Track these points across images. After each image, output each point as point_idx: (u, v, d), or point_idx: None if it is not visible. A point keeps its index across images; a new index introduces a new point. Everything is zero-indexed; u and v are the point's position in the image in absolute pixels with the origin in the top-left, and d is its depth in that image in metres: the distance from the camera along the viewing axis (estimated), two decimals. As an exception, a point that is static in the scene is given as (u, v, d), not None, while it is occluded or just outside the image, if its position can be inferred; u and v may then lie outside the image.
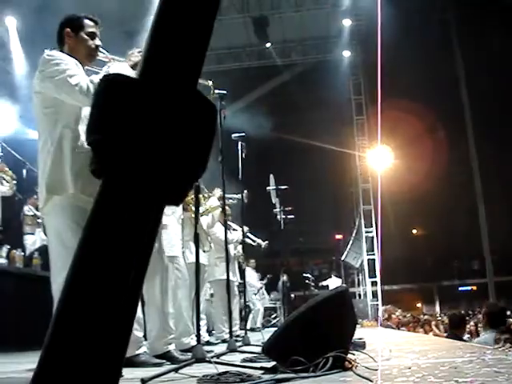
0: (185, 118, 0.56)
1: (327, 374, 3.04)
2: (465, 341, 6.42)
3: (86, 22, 3.64)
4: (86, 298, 0.53)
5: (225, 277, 7.22)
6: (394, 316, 13.49)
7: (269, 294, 16.31)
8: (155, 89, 0.56)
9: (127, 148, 0.54)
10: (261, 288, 14.70)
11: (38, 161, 3.44)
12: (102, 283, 0.53)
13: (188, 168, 0.57)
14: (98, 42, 3.64)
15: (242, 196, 8.14)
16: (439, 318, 14.67)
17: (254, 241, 10.09)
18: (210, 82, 4.77)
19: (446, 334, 7.85)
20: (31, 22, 13.32)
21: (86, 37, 3.60)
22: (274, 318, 16.04)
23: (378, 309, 17.12)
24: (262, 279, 15.05)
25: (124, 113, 0.55)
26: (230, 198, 7.78)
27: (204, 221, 7.32)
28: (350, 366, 3.27)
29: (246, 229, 8.35)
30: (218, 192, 7.22)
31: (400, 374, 2.86)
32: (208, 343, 6.77)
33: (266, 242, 10.48)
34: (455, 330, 6.90)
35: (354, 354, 3.61)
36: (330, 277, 17.37)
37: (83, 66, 3.55)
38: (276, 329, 3.74)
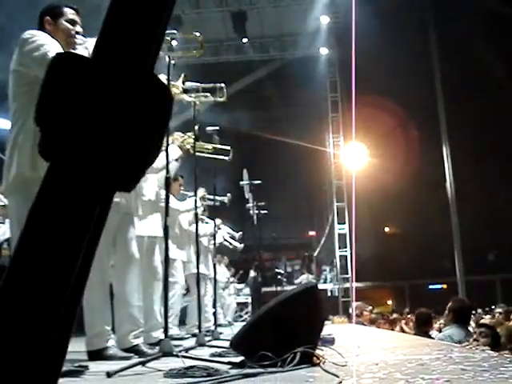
0: (137, 100, 0.53)
1: (295, 369, 3.04)
2: (432, 338, 6.46)
3: (66, 9, 3.64)
4: (24, 294, 0.50)
5: (200, 271, 7.23)
6: (365, 313, 13.58)
7: (241, 289, 16.31)
8: (107, 69, 0.53)
9: (75, 129, 0.52)
10: (230, 283, 14.68)
11: (8, 139, 3.38)
12: (45, 273, 0.50)
13: (140, 153, 0.54)
14: (78, 28, 3.61)
15: (226, 199, 8.16)
16: (409, 316, 14.82)
17: (230, 244, 10.10)
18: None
19: (413, 332, 7.91)
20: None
21: (65, 23, 3.59)
22: (246, 314, 16.06)
23: (349, 306, 17.24)
24: (234, 275, 15.03)
25: (73, 93, 0.52)
26: (212, 200, 7.74)
27: (185, 218, 7.26)
28: (318, 361, 3.27)
29: (218, 221, 8.33)
30: (201, 192, 7.17)
31: (367, 370, 2.86)
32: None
33: (242, 245, 10.52)
34: (423, 328, 6.96)
35: (322, 350, 3.61)
36: (303, 273, 17.42)
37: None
38: (244, 324, 3.73)
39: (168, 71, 4.05)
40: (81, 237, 0.52)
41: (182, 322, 7.99)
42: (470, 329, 6.21)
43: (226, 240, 9.60)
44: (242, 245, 10.44)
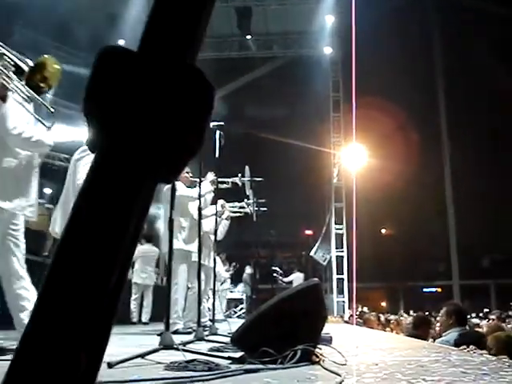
0: (181, 93, 0.54)
1: (295, 366, 3.05)
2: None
3: None
4: (70, 284, 0.50)
5: (204, 263, 7.24)
6: (366, 313, 13.63)
7: (235, 285, 16.31)
8: (151, 62, 0.54)
9: (121, 121, 0.53)
10: (227, 278, 14.68)
11: None
12: (90, 262, 0.51)
13: (182, 146, 0.55)
14: None
15: (237, 179, 8.15)
16: (402, 318, 14.86)
17: (241, 212, 9.62)
18: None
19: (405, 334, 7.92)
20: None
21: None
22: (240, 310, 16.06)
23: (343, 305, 17.27)
24: (227, 270, 15.02)
25: (119, 85, 0.53)
26: (224, 182, 7.77)
27: (195, 206, 7.24)
28: (318, 359, 3.28)
29: (221, 201, 8.34)
30: (210, 176, 7.16)
31: (368, 370, 2.88)
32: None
33: (254, 210, 9.96)
34: (417, 331, 6.96)
35: (321, 349, 3.62)
36: (294, 272, 17.36)
37: None
38: (245, 320, 3.74)
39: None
40: (124, 228, 0.53)
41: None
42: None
43: (236, 212, 9.41)
44: (255, 209, 9.94)
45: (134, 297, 11.56)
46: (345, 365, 3.10)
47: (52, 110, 4.15)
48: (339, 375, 2.63)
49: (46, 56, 3.98)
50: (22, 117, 4.00)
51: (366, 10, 14.43)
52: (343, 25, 17.88)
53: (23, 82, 3.88)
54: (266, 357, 3.11)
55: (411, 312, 16.04)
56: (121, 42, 17.90)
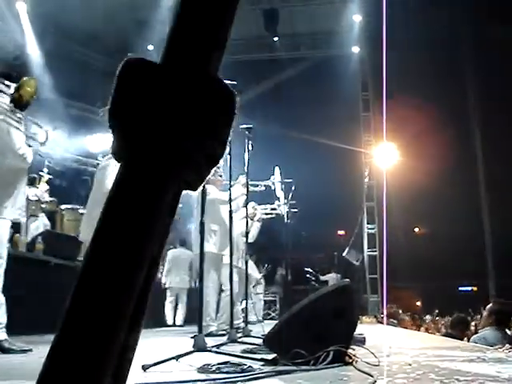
0: (203, 104, 0.56)
1: (328, 367, 3.05)
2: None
3: None
4: (99, 290, 0.53)
5: (237, 265, 7.29)
6: (399, 313, 13.52)
7: (269, 287, 16.30)
8: (175, 74, 0.56)
9: (145, 132, 0.55)
10: (260, 280, 14.69)
11: None
12: (118, 271, 0.53)
13: (206, 154, 0.57)
14: None
15: (270, 182, 8.20)
16: (437, 318, 14.70)
17: (273, 213, 9.62)
18: None
19: (441, 334, 7.85)
20: (40, 4, 13.36)
21: None
22: (274, 312, 16.06)
23: (378, 305, 17.14)
24: (260, 272, 15.02)
25: (143, 97, 0.55)
26: (257, 185, 7.82)
27: (227, 209, 7.27)
28: (351, 360, 3.28)
29: (253, 203, 8.38)
30: (242, 179, 7.19)
31: (401, 371, 2.87)
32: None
33: (285, 210, 9.89)
34: (454, 331, 6.89)
35: (354, 350, 3.61)
36: (329, 272, 17.34)
37: None
38: (277, 321, 3.75)
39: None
40: (150, 235, 0.55)
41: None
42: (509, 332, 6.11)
43: (267, 213, 9.43)
44: (287, 210, 9.92)
45: (168, 300, 11.69)
46: (378, 365, 3.10)
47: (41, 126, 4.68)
48: (371, 376, 2.63)
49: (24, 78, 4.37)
50: (22, 138, 4.47)
51: (395, 8, 14.31)
52: (371, 23, 17.80)
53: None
54: (298, 358, 3.12)
55: (446, 312, 15.82)
56: (149, 48, 18.13)
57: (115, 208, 0.55)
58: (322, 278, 16.77)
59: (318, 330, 3.29)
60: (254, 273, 13.91)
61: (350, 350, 3.43)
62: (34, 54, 14.71)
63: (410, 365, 3.16)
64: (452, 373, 2.70)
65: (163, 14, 16.63)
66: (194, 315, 6.55)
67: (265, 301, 16.01)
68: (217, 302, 7.58)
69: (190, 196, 6.36)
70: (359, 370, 2.88)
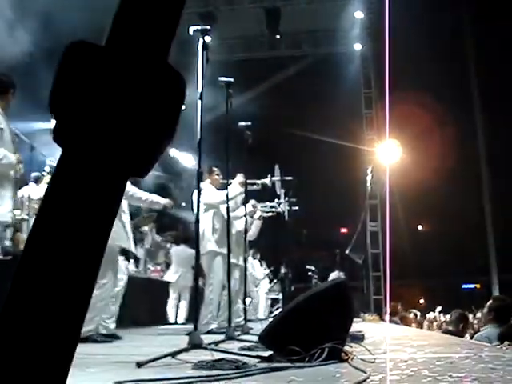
0: (150, 88, 0.54)
1: (323, 364, 3.05)
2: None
3: None
4: (39, 277, 0.52)
5: (234, 261, 7.26)
6: (399, 311, 13.49)
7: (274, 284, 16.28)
8: (119, 57, 0.54)
9: (89, 116, 0.53)
10: (263, 278, 14.69)
11: None
12: (59, 259, 0.53)
13: (153, 140, 0.55)
14: None
15: (267, 181, 8.20)
16: (440, 316, 14.67)
17: (273, 212, 9.56)
18: None
19: (442, 331, 7.82)
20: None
21: None
22: (276, 310, 16.06)
23: (381, 303, 17.12)
24: (265, 269, 15.03)
25: (86, 80, 0.53)
26: (254, 184, 7.81)
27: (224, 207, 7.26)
28: (347, 357, 3.27)
29: (253, 201, 8.37)
30: (240, 177, 7.17)
31: (395, 367, 2.86)
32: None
33: (287, 209, 9.82)
34: (453, 328, 6.87)
35: (351, 347, 3.61)
36: (333, 271, 17.30)
37: None
38: (272, 318, 3.75)
39: (202, 67, 4.06)
40: (94, 221, 0.54)
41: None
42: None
43: (267, 212, 9.39)
44: (287, 208, 9.89)
45: (171, 297, 11.68)
46: (373, 362, 3.09)
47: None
48: (365, 372, 2.62)
49: None
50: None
51: (397, 4, 14.24)
52: (373, 20, 17.75)
53: None
54: (293, 355, 3.11)
55: (450, 309, 15.78)
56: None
57: (55, 194, 0.54)
58: (332, 275, 16.70)
59: (314, 327, 3.28)
60: (256, 271, 13.91)
61: (346, 347, 3.42)
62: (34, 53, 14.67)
63: (405, 362, 3.15)
64: (446, 369, 2.69)
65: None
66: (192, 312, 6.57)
67: (268, 298, 16.03)
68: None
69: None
70: (353, 367, 2.87)
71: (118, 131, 0.54)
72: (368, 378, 2.51)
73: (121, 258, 6.08)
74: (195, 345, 3.42)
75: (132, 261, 11.32)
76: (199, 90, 3.93)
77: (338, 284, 3.43)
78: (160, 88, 0.55)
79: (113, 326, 5.84)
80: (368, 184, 19.26)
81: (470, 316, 10.84)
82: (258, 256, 14.50)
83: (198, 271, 3.73)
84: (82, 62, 0.54)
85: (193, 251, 11.42)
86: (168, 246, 13.20)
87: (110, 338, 5.48)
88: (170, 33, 0.57)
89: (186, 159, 17.43)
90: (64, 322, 0.53)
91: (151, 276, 11.88)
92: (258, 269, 14.22)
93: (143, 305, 10.24)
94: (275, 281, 15.65)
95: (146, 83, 0.54)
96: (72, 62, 0.54)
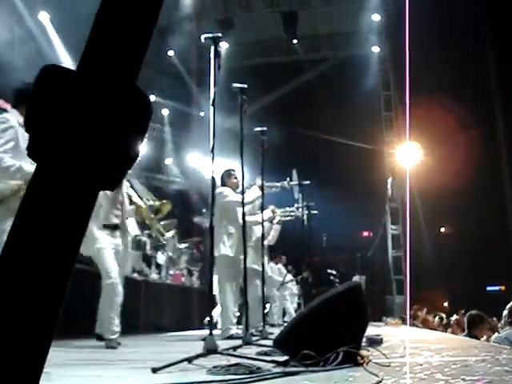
0: (117, 109, 0.59)
1: (337, 368, 3.04)
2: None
3: None
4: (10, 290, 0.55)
5: (252, 266, 7.26)
6: (420, 314, 13.38)
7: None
8: (91, 81, 0.59)
9: (60, 134, 0.57)
10: (285, 283, 14.63)
11: None
12: (31, 270, 0.55)
13: (121, 156, 0.59)
14: None
15: (289, 180, 8.22)
16: (464, 319, 14.48)
17: (292, 216, 9.52)
18: None
19: (463, 334, 7.71)
20: (63, 12, 13.49)
21: None
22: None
23: (404, 307, 16.99)
24: (289, 271, 14.91)
25: (58, 101, 0.58)
26: (272, 187, 7.85)
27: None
28: (362, 361, 3.26)
29: (272, 206, 8.37)
30: (258, 181, 7.16)
31: (409, 371, 2.85)
32: None
33: (305, 213, 9.76)
34: (471, 330, 6.79)
35: (368, 351, 3.60)
36: (354, 275, 17.18)
37: None
38: (288, 323, 3.76)
39: (214, 76, 4.10)
40: (66, 232, 0.57)
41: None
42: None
43: (286, 216, 9.35)
44: (306, 212, 9.79)
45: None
46: (388, 366, 3.08)
47: None
48: (377, 376, 2.62)
49: None
50: None
51: (415, 5, 14.18)
52: (390, 23, 17.69)
53: None
54: (308, 359, 3.12)
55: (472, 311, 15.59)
56: (170, 53, 18.28)
57: (29, 205, 0.57)
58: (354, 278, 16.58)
59: (328, 331, 3.28)
60: (277, 276, 13.88)
61: (363, 351, 3.41)
62: (67, 63, 14.87)
63: (420, 365, 3.13)
64: (460, 372, 2.67)
65: (183, 19, 16.76)
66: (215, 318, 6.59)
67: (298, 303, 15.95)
68: (239, 306, 7.58)
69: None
70: (367, 371, 2.86)
71: (87, 148, 0.58)
72: (381, 381, 2.51)
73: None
74: (210, 350, 3.44)
75: (153, 267, 11.42)
76: (211, 96, 3.96)
77: (352, 288, 3.43)
78: (126, 108, 0.59)
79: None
80: (389, 186, 19.18)
81: (494, 318, 10.72)
82: (285, 259, 14.51)
83: (211, 276, 3.75)
84: (55, 84, 0.58)
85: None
86: (190, 251, 13.28)
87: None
88: (137, 58, 0.62)
89: (205, 165, 17.50)
90: (34, 329, 0.55)
91: (172, 282, 11.93)
92: (277, 273, 14.17)
93: (165, 310, 10.30)
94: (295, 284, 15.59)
95: (114, 104, 0.59)
96: (45, 84, 0.59)
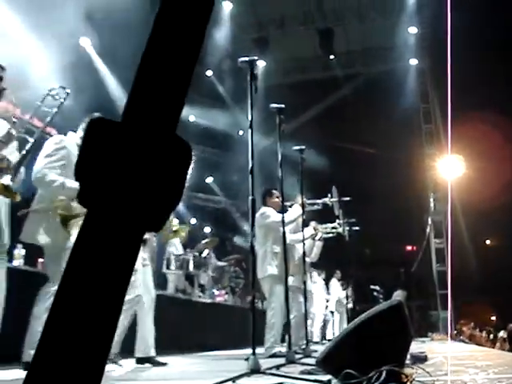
0: (160, 158, 0.65)
1: (380, 387, 3.04)
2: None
3: None
4: (67, 330, 0.61)
5: (293, 283, 7.26)
6: (465, 329, 13.15)
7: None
8: (135, 133, 0.65)
9: (109, 182, 0.63)
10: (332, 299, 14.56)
11: None
12: (85, 310, 0.61)
13: (164, 201, 0.65)
14: (3, 85, 4.01)
15: (327, 200, 8.24)
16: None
17: (334, 232, 9.45)
18: None
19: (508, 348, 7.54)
20: (105, 37, 13.78)
21: None
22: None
23: (448, 322, 16.70)
24: (344, 289, 14.81)
25: (105, 152, 0.64)
26: (314, 204, 7.88)
27: (287, 230, 7.25)
28: (406, 380, 3.24)
29: (313, 223, 8.37)
30: (299, 199, 7.19)
31: (454, 390, 2.83)
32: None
33: (346, 229, 9.71)
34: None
35: (413, 368, 3.57)
36: (396, 290, 16.97)
37: None
38: (330, 341, 3.76)
39: (251, 96, 4.17)
40: (117, 272, 0.63)
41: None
42: None
43: (328, 232, 9.32)
44: (347, 229, 9.74)
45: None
46: (432, 384, 3.06)
47: None
48: (419, 395, 2.61)
49: None
50: None
51: (456, 16, 14.04)
52: (428, 35, 17.57)
53: None
54: (351, 379, 3.12)
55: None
56: (208, 73, 18.52)
57: (81, 249, 0.63)
58: (395, 294, 16.41)
59: (371, 350, 3.27)
60: (322, 293, 13.82)
61: (407, 369, 3.39)
62: (112, 85, 15.17)
63: (465, 383, 3.10)
64: (504, 391, 2.65)
65: (219, 40, 16.98)
66: (260, 336, 6.60)
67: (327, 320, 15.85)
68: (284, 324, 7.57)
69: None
70: (410, 390, 2.85)
71: (133, 195, 0.64)
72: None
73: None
74: (254, 370, 3.47)
75: (196, 286, 11.49)
76: (249, 118, 4.03)
77: (393, 306, 3.41)
78: (168, 157, 0.66)
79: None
80: (431, 199, 18.94)
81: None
82: (339, 275, 14.45)
83: (254, 295, 3.79)
84: (102, 136, 0.65)
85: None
86: (231, 269, 13.30)
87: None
88: (177, 109, 0.68)
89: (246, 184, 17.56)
90: (89, 359, 0.61)
91: (215, 300, 11.97)
92: (322, 289, 14.10)
93: (209, 329, 10.34)
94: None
95: (157, 153, 0.65)
96: (93, 136, 0.65)
